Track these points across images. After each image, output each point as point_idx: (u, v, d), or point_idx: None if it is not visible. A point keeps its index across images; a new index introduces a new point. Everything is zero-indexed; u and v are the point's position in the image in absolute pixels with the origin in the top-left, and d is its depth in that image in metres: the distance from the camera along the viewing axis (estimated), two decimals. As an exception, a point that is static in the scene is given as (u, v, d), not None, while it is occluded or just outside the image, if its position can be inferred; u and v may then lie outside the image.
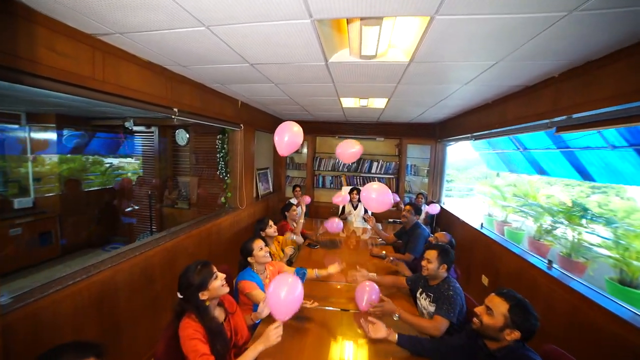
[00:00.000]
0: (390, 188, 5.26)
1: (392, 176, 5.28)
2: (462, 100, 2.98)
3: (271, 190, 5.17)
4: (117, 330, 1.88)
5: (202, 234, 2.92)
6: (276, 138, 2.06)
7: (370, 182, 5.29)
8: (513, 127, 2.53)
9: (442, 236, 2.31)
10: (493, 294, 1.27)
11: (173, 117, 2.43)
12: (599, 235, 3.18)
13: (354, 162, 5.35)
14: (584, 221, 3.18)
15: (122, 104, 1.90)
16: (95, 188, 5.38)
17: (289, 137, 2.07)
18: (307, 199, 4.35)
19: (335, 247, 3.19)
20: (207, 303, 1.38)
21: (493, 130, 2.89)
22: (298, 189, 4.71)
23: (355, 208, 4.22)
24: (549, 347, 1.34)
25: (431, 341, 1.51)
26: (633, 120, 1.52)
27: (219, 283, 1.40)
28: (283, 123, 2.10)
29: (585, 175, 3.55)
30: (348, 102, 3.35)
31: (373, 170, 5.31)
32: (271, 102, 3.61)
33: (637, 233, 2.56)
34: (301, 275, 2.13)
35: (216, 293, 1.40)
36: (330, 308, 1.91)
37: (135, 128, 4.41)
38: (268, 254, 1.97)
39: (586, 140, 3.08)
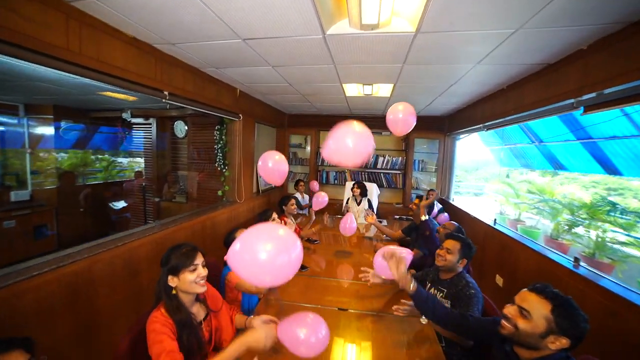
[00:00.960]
0: (396, 184, 5.07)
1: (398, 172, 5.06)
2: (474, 86, 2.76)
3: (273, 185, 5.00)
4: (94, 327, 1.73)
5: (196, 227, 2.76)
6: (262, 173, 2.17)
7: (376, 177, 5.11)
8: (532, 111, 2.30)
9: (451, 225, 2.11)
10: (526, 290, 1.04)
11: (164, 100, 2.29)
12: (628, 235, 2.90)
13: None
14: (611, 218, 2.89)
15: (105, 81, 1.75)
16: (97, 182, 5.34)
17: (272, 164, 2.14)
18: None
19: (336, 245, 2.99)
20: (174, 292, 1.21)
21: (508, 118, 2.66)
22: (302, 183, 4.55)
23: (358, 204, 4.02)
24: (586, 357, 1.12)
25: (453, 313, 1.31)
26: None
27: (192, 277, 1.21)
28: (263, 155, 2.19)
29: (610, 168, 3.27)
30: (351, 90, 3.17)
31: (379, 166, 5.10)
32: (270, 91, 3.44)
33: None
34: None
35: (185, 287, 1.21)
36: (327, 307, 1.72)
37: (133, 120, 4.31)
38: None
39: (611, 128, 2.82)
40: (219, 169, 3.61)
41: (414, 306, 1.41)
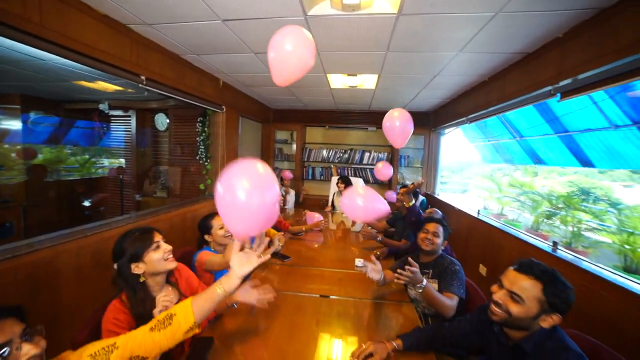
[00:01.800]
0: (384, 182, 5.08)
1: (384, 167, 5.07)
2: (457, 77, 2.79)
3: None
4: (57, 321, 1.61)
5: (175, 219, 2.66)
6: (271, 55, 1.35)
7: (362, 173, 5.12)
8: (513, 100, 2.34)
9: (433, 212, 2.13)
10: (513, 271, 0.98)
11: (141, 85, 2.19)
12: (600, 224, 3.00)
13: (345, 153, 5.16)
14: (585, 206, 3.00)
15: (72, 59, 1.65)
16: (74, 179, 5.09)
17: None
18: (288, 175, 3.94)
19: (320, 238, 2.95)
20: (143, 279, 1.12)
21: (491, 109, 2.70)
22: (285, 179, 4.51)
23: (344, 198, 4.00)
24: (571, 332, 1.12)
25: (435, 329, 1.27)
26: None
27: (159, 255, 1.13)
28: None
29: (584, 161, 3.38)
30: (336, 81, 3.14)
31: (365, 161, 5.10)
32: (254, 82, 3.38)
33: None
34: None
35: (154, 267, 1.12)
36: (309, 295, 1.67)
37: (112, 112, 4.14)
38: (230, 234, 1.73)
39: (583, 119, 2.91)
40: (201, 161, 3.51)
41: (415, 275, 1.38)
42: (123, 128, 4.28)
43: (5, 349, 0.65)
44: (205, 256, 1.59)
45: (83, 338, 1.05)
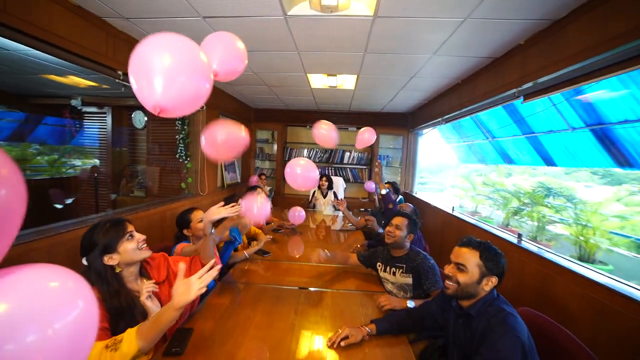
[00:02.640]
0: (362, 179, 5.20)
1: (364, 167, 5.19)
2: (433, 79, 2.92)
3: (238, 180, 4.89)
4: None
5: (153, 217, 2.61)
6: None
7: (342, 172, 5.21)
8: (482, 102, 2.49)
9: (405, 206, 2.22)
10: (457, 247, 1.17)
11: (117, 80, 2.15)
12: (560, 220, 3.25)
13: (325, 153, 5.23)
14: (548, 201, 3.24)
15: (40, 48, 1.59)
16: (42, 179, 4.83)
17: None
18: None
19: (301, 234, 2.99)
20: (118, 270, 1.11)
21: (463, 110, 2.85)
22: (263, 176, 4.51)
23: (324, 196, 4.06)
24: (523, 309, 1.23)
25: (406, 313, 1.36)
26: (594, 76, 1.48)
27: (132, 245, 1.12)
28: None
29: (548, 161, 3.63)
30: (317, 81, 3.20)
31: (345, 161, 5.20)
32: (235, 81, 3.36)
33: (594, 210, 2.62)
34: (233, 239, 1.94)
35: (129, 257, 1.11)
36: (288, 287, 1.71)
37: (85, 109, 3.97)
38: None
39: (549, 124, 3.14)
40: (180, 160, 3.45)
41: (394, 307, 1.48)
42: (98, 125, 4.12)
43: None
44: (181, 247, 1.59)
45: None
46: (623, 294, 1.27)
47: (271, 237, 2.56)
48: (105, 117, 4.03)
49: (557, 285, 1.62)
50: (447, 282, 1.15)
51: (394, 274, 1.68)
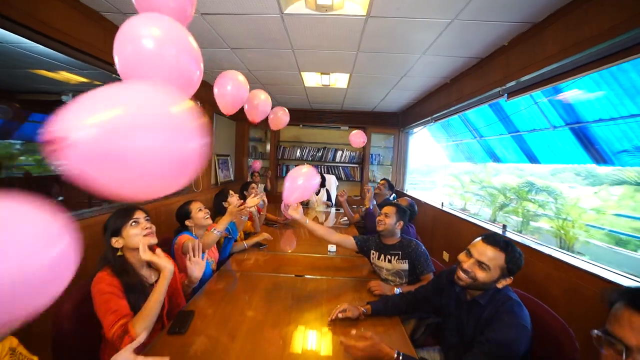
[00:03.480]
0: (354, 177, 5.29)
1: (356, 165, 5.29)
2: (422, 79, 3.03)
3: (232, 178, 4.90)
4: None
5: (149, 213, 2.62)
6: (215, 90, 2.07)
7: (334, 170, 5.29)
8: (470, 100, 2.60)
9: (404, 201, 2.31)
10: (482, 243, 1.13)
11: (114, 75, 2.17)
12: (543, 214, 3.41)
13: (318, 151, 5.30)
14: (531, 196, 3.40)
15: (36, 40, 1.61)
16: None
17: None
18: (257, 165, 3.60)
19: (296, 228, 3.05)
20: (120, 253, 1.18)
21: (451, 108, 2.97)
22: (256, 174, 4.55)
23: (317, 193, 4.13)
24: (515, 290, 1.34)
25: (400, 296, 1.43)
26: (569, 75, 1.60)
27: (136, 231, 1.18)
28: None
29: (532, 158, 3.79)
30: (310, 80, 3.27)
31: (337, 159, 5.28)
32: (230, 78, 3.41)
33: (573, 204, 2.77)
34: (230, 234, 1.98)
35: (132, 242, 1.17)
36: (285, 275, 1.77)
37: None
38: (209, 215, 1.78)
39: (532, 123, 3.29)
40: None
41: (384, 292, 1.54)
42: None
43: None
44: (184, 238, 1.63)
45: (68, 310, 1.08)
46: (593, 273, 1.41)
47: (270, 236, 2.54)
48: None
49: (537, 269, 1.74)
50: (461, 274, 1.13)
51: (389, 261, 1.74)
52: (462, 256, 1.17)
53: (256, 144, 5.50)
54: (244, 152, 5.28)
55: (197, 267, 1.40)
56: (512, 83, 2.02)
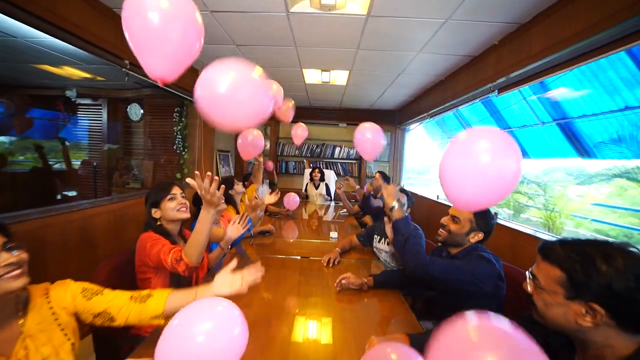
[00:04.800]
0: (352, 172, 5.42)
1: (354, 161, 5.42)
2: (418, 76, 3.17)
3: (232, 174, 5.00)
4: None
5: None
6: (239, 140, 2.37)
7: (333, 167, 5.41)
8: (463, 97, 2.75)
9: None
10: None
11: (124, 69, 2.25)
12: (532, 206, 3.58)
13: (317, 148, 5.42)
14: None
15: (57, 36, 1.70)
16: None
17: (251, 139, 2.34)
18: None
19: (295, 219, 3.17)
20: (159, 223, 1.32)
21: (446, 104, 3.11)
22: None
23: (317, 187, 4.26)
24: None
25: (400, 271, 1.59)
26: (552, 71, 1.75)
27: (172, 205, 1.32)
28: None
29: (523, 154, 3.96)
30: (311, 77, 3.39)
31: (336, 155, 5.40)
32: (233, 74, 3.51)
33: (560, 194, 2.94)
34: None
35: (168, 214, 1.32)
36: (291, 257, 1.89)
37: (79, 101, 3.99)
38: (223, 201, 1.89)
39: (522, 119, 3.45)
40: (178, 151, 3.56)
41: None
42: (92, 118, 4.13)
43: None
44: None
45: (103, 276, 1.19)
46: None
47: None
48: (100, 109, 4.05)
49: (525, 250, 1.89)
50: (440, 230, 1.38)
51: (388, 244, 1.89)
52: (443, 219, 1.41)
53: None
54: (243, 149, 5.38)
55: (235, 230, 1.56)
56: (502, 79, 2.16)
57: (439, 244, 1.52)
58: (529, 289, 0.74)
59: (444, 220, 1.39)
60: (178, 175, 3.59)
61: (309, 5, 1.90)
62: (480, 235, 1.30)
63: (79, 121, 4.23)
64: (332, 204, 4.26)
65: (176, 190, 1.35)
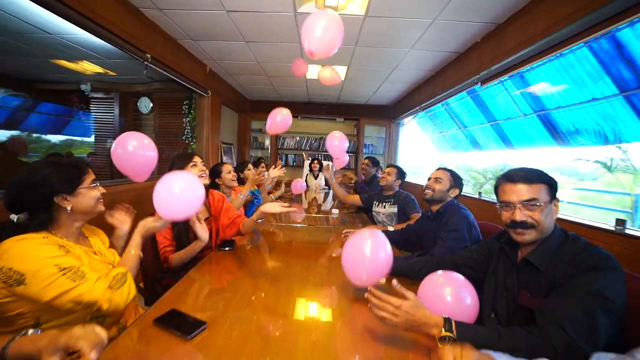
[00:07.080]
0: (349, 165, 5.69)
1: (350, 154, 5.69)
2: (411, 71, 3.45)
3: (235, 166, 5.24)
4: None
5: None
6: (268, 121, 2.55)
7: (331, 159, 5.68)
8: (451, 89, 3.04)
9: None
10: (435, 170, 1.78)
11: (145, 62, 2.48)
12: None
13: (315, 141, 5.69)
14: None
15: (95, 31, 1.93)
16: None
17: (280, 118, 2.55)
18: (302, 184, 3.45)
19: (298, 202, 3.44)
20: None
21: (437, 97, 3.40)
22: (262, 160, 4.90)
23: (316, 178, 4.53)
24: (486, 223, 1.76)
25: (400, 232, 1.91)
26: (525, 64, 2.04)
27: (195, 172, 1.51)
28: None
29: (507, 143, 4.28)
30: (311, 71, 3.64)
31: (335, 149, 5.67)
32: (239, 70, 3.76)
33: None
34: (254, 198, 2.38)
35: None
36: (298, 224, 2.16)
37: (92, 95, 4.20)
38: (235, 179, 2.15)
39: (507, 112, 3.76)
40: (187, 141, 3.79)
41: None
42: (104, 111, 4.34)
43: None
44: (217, 195, 1.91)
45: None
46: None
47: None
48: (112, 102, 4.26)
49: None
50: (426, 190, 1.72)
51: (384, 207, 2.31)
52: (428, 182, 1.77)
53: (257, 135, 5.84)
54: (245, 142, 5.62)
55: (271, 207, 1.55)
56: (484, 72, 2.45)
57: (424, 213, 1.85)
58: (521, 216, 0.84)
59: (429, 183, 1.72)
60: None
61: (314, 6, 2.17)
62: (457, 191, 1.67)
63: (92, 116, 4.44)
64: (331, 192, 4.53)
65: (197, 159, 1.56)
